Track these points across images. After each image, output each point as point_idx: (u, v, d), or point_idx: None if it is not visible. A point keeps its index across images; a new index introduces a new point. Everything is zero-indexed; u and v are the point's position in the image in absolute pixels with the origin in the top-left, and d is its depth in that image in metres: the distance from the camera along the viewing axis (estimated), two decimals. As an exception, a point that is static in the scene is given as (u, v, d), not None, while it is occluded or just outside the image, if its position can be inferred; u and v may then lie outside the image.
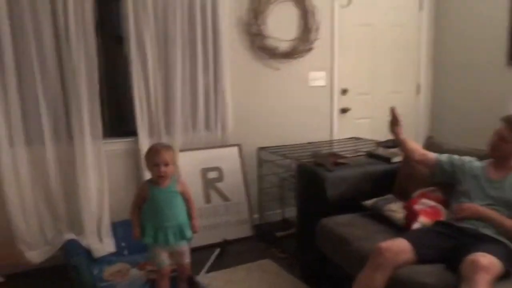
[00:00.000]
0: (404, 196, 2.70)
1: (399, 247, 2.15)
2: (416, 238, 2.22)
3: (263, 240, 3.57)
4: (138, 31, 3.19)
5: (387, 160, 2.99)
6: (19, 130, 2.91)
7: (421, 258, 2.13)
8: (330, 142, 3.96)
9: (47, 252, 3.03)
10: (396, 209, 2.59)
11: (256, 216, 3.73)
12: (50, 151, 3.01)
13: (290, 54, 3.82)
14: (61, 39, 2.95)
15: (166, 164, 2.43)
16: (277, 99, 3.91)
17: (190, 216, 2.58)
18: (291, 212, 3.80)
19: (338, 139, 4.02)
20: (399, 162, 2.93)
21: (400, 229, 2.46)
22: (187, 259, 2.61)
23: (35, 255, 2.98)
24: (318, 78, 4.05)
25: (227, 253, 3.33)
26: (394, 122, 2.70)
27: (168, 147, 2.52)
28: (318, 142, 3.87)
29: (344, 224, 2.57)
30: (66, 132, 3.07)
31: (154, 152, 2.45)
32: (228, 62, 3.55)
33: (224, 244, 3.42)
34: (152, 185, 2.48)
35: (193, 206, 2.61)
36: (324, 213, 2.71)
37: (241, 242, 3.55)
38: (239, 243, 3.53)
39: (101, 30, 3.22)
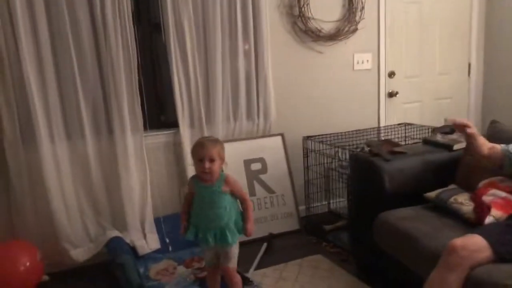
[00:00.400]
0: (469, 186, 2.47)
1: (475, 244, 1.93)
2: (491, 234, 2.00)
3: (311, 234, 3.40)
4: (176, 18, 3.04)
5: (448, 147, 2.76)
6: (59, 125, 2.83)
7: (499, 257, 1.92)
8: (379, 129, 3.73)
9: (91, 250, 2.95)
10: (462, 201, 2.36)
11: (301, 208, 3.56)
12: (90, 146, 2.92)
13: (334, 36, 3.60)
14: (99, 30, 2.84)
15: (212, 160, 2.17)
16: (321, 84, 3.71)
17: (244, 218, 2.31)
18: (337, 204, 3.63)
19: (387, 126, 3.78)
20: (462, 149, 2.69)
21: (469, 223, 2.24)
22: (231, 264, 2.31)
23: (79, 254, 2.91)
24: (364, 61, 3.82)
25: (274, 248, 3.18)
26: (462, 129, 2.29)
27: (215, 141, 2.27)
28: (366, 129, 3.65)
29: (406, 218, 2.37)
30: (106, 126, 2.97)
31: (198, 146, 2.24)
32: (270, 47, 3.37)
33: (270, 238, 3.27)
34: (197, 181, 2.29)
35: (248, 207, 2.31)
36: (382, 206, 2.50)
37: (288, 236, 3.39)
38: (285, 237, 3.37)
39: (138, 19, 3.08)
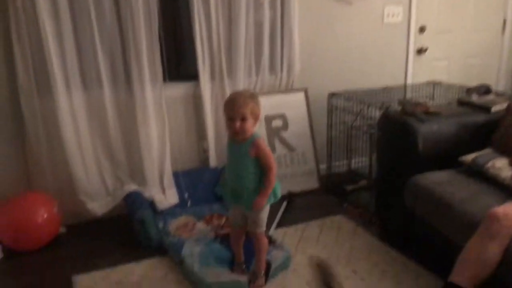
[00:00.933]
0: (508, 150, 2.34)
1: (518, 213, 1.84)
2: (534, 203, 1.91)
3: (331, 193, 3.32)
4: (199, -39, 2.83)
5: (486, 109, 2.61)
6: (75, 74, 2.70)
7: (543, 227, 1.83)
8: (407, 87, 3.56)
9: (109, 203, 2.89)
10: (501, 166, 2.24)
11: (322, 166, 3.45)
12: (108, 96, 2.80)
13: (365, -14, 3.37)
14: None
15: (243, 119, 1.97)
16: (349, 38, 3.52)
17: (260, 188, 2.08)
18: (358, 163, 3.52)
19: (415, 83, 3.60)
20: (501, 111, 2.55)
21: (508, 189, 2.13)
22: (258, 229, 2.17)
23: (96, 207, 2.85)
24: (394, 14, 3.60)
25: (294, 207, 3.10)
26: None
27: (249, 97, 2.02)
28: (393, 86, 3.48)
29: (441, 183, 2.26)
30: (124, 76, 2.83)
31: (229, 103, 2.02)
32: (296, -3, 3.16)
33: (290, 197, 3.19)
34: (229, 139, 2.14)
35: (268, 178, 2.06)
36: (413, 169, 2.40)
37: (308, 194, 3.31)
38: (305, 196, 3.29)
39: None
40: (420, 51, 3.79)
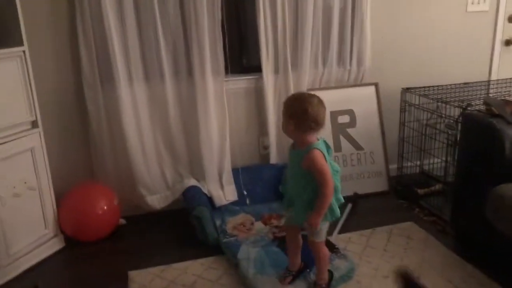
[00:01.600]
0: None
1: None
2: None
3: (401, 197, 3.07)
4: None
5: None
6: (138, 66, 2.67)
7: None
8: (489, 83, 3.21)
9: (168, 197, 2.85)
10: None
11: (391, 167, 3.20)
12: (169, 89, 2.74)
13: (449, -30, 3.06)
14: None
15: (284, 121, 1.89)
16: (427, 27, 3.22)
17: (314, 205, 1.88)
18: (432, 165, 3.22)
19: (501, 80, 3.24)
20: None
21: None
22: (316, 238, 1.99)
23: (155, 200, 2.83)
24: (480, 1, 3.25)
25: (360, 210, 2.90)
26: None
27: (297, 99, 1.89)
28: (476, 82, 3.15)
29: (533, 195, 1.98)
30: (186, 68, 2.76)
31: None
32: (370, -18, 2.93)
33: (356, 199, 2.99)
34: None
35: (321, 195, 1.84)
36: (498, 177, 2.12)
37: (375, 197, 3.09)
38: (373, 198, 3.07)
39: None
40: (509, 43, 3.40)
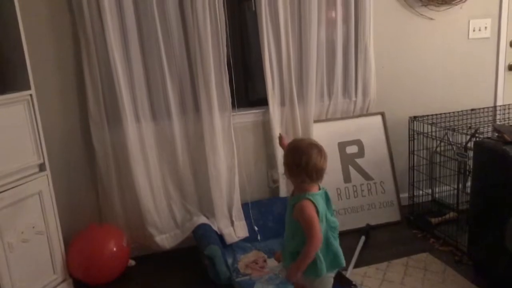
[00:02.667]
0: None
1: None
2: None
3: (414, 227, 3.01)
4: (268, -17, 2.71)
5: None
6: (145, 105, 2.67)
7: None
8: (495, 109, 3.20)
9: (178, 236, 2.80)
10: None
11: (402, 196, 3.15)
12: (176, 126, 2.73)
13: (449, -1, 3.10)
14: (186, 3, 2.60)
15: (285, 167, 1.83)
16: (430, 56, 3.24)
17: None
18: (443, 193, 3.18)
19: (507, 105, 3.22)
20: None
21: None
22: None
23: (165, 240, 2.77)
24: (481, 28, 3.27)
25: (373, 242, 2.84)
26: None
27: (290, 148, 1.83)
28: (482, 108, 3.13)
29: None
30: (193, 105, 2.77)
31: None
32: (372, 13, 2.95)
33: (368, 230, 2.93)
34: None
35: (305, 249, 1.72)
36: (515, 206, 2.09)
37: (388, 228, 3.03)
38: (385, 229, 3.02)
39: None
40: (512, 68, 3.42)
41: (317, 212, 1.73)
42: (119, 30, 2.53)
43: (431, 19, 3.14)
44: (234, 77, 2.87)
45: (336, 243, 1.82)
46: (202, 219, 2.76)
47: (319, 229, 1.72)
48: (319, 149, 1.77)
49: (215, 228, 2.75)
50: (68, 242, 2.51)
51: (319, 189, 1.81)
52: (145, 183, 2.70)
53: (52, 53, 2.54)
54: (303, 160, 1.72)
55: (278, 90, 2.91)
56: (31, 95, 2.27)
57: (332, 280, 1.86)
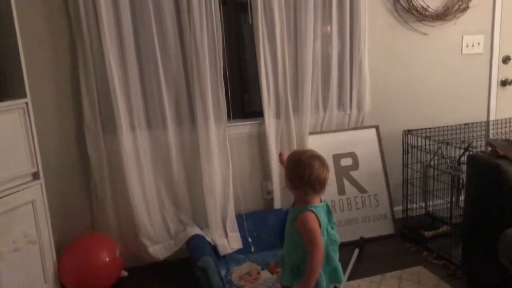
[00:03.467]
0: None
1: None
2: None
3: (408, 240, 3.02)
4: (265, -5, 2.74)
5: None
6: (140, 114, 2.67)
7: None
8: (492, 123, 3.24)
9: (171, 247, 2.78)
10: None
11: (396, 209, 3.16)
12: (172, 136, 2.73)
13: (442, 15, 3.14)
14: (183, 13, 2.62)
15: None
16: (424, 70, 3.28)
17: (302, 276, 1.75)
18: (436, 206, 3.19)
19: (499, 120, 3.27)
20: None
21: None
22: None
23: (158, 251, 2.75)
24: (474, 44, 3.32)
25: (367, 255, 2.84)
26: None
27: (290, 159, 1.84)
28: (475, 123, 3.17)
29: (546, 238, 1.95)
30: (188, 116, 2.77)
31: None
32: (367, 28, 2.98)
33: (362, 243, 2.93)
34: None
35: (309, 263, 1.71)
36: (509, 219, 2.10)
37: (382, 240, 3.03)
38: (379, 242, 3.02)
39: (223, -2, 2.81)
40: (505, 83, 3.46)
41: (319, 225, 1.72)
42: (116, 39, 2.54)
43: (425, 34, 3.18)
44: (230, 88, 2.89)
45: (336, 257, 1.81)
46: (196, 230, 2.74)
47: (321, 242, 1.71)
48: (321, 161, 1.77)
49: (209, 239, 2.73)
50: (60, 251, 2.49)
51: (321, 201, 1.81)
52: (139, 192, 2.69)
53: (48, 62, 2.54)
54: (306, 172, 1.72)
55: (273, 102, 2.93)
56: (26, 103, 2.26)
57: None
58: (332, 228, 1.83)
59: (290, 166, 1.80)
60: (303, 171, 1.73)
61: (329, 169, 1.77)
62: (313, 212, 1.73)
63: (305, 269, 1.72)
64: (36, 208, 2.33)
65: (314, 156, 1.78)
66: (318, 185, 1.74)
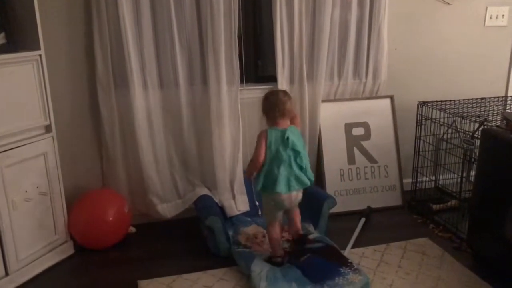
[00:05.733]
0: None
1: None
2: None
3: (415, 212, 3.02)
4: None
5: None
6: (153, 72, 2.65)
7: None
8: (510, 99, 3.17)
9: (179, 206, 2.82)
10: None
11: (405, 181, 3.15)
12: (183, 96, 2.72)
13: (468, -16, 3.03)
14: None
15: None
16: (443, 41, 3.19)
17: None
18: (446, 180, 3.17)
19: (518, 95, 3.20)
20: None
21: None
22: None
23: (166, 209, 2.79)
24: (498, 16, 3.21)
25: (373, 224, 2.85)
26: None
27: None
28: (493, 98, 3.10)
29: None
30: (201, 77, 2.74)
31: None
32: (388, -6, 2.90)
33: (369, 212, 2.94)
34: None
35: (249, 162, 2.40)
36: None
37: (389, 211, 3.03)
38: (386, 212, 3.02)
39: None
40: (527, 58, 3.37)
41: (266, 141, 2.24)
42: (131, -5, 2.51)
43: (448, 3, 3.08)
44: (245, 52, 2.85)
45: (278, 173, 2.21)
46: (204, 191, 2.77)
47: (260, 152, 2.24)
48: (279, 96, 2.30)
49: (216, 200, 2.76)
50: (70, 205, 2.54)
51: (285, 128, 2.25)
52: (149, 150, 2.71)
53: (62, 15, 2.52)
54: (266, 105, 2.31)
55: (288, 67, 2.88)
56: (40, 55, 2.27)
57: (272, 202, 2.29)
58: (283, 150, 2.21)
59: (262, 102, 2.35)
60: (264, 104, 2.32)
61: (290, 102, 2.31)
62: (266, 131, 2.26)
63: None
64: (47, 160, 2.37)
65: (275, 92, 2.37)
66: (275, 113, 2.26)
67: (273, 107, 2.25)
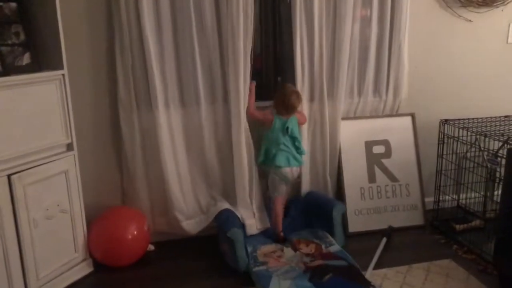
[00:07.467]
0: None
1: None
2: None
3: (438, 232, 2.95)
4: (304, -25, 2.68)
5: None
6: (175, 91, 2.69)
7: None
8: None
9: (203, 221, 2.80)
10: None
11: (427, 200, 3.09)
12: (205, 114, 2.74)
13: (490, 1, 2.99)
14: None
15: None
16: (466, 58, 3.16)
17: None
18: (469, 199, 3.09)
19: (543, 113, 3.13)
20: None
21: None
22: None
23: (191, 225, 2.79)
24: (521, 33, 3.18)
25: (394, 244, 2.80)
26: None
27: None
28: (517, 115, 3.05)
29: None
30: (222, 95, 2.75)
31: None
32: (408, 10, 2.88)
33: (390, 232, 2.88)
34: None
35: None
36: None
37: (410, 231, 2.97)
38: (407, 232, 2.96)
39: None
40: (551, 75, 3.30)
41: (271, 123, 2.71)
42: (154, 16, 2.54)
43: (470, 21, 3.06)
44: (265, 69, 2.85)
45: (276, 152, 2.70)
46: (226, 205, 2.75)
47: (257, 113, 2.78)
48: (289, 94, 2.69)
49: (239, 215, 2.73)
50: (90, 223, 2.55)
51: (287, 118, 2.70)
52: (173, 168, 2.72)
53: (85, 35, 2.56)
54: (279, 98, 2.71)
55: (307, 84, 2.88)
56: (63, 74, 2.31)
57: (277, 177, 2.75)
58: (282, 136, 2.68)
59: (276, 94, 2.75)
60: (276, 96, 2.72)
61: (298, 101, 2.72)
62: (273, 114, 2.71)
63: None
64: (69, 178, 2.39)
65: (288, 93, 2.71)
66: (281, 107, 2.70)
67: (281, 103, 2.68)
